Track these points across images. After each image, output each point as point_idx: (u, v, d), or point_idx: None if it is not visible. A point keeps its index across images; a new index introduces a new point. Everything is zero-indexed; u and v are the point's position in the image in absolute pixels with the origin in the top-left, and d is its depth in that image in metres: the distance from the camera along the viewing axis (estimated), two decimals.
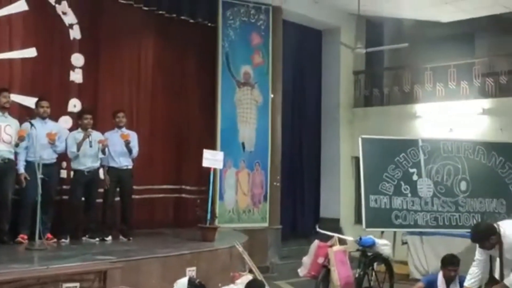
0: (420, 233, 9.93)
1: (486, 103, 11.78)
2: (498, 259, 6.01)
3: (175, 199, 10.67)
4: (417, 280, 9.26)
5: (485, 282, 6.26)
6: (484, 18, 12.49)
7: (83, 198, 8.32)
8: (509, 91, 11.73)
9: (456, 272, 6.57)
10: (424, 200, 9.34)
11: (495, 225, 5.99)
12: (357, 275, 7.08)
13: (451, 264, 6.67)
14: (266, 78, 11.48)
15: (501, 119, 11.43)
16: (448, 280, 6.67)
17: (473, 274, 6.09)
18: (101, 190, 8.60)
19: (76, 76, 9.17)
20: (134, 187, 9.39)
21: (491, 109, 11.68)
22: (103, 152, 8.37)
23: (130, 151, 8.62)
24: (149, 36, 10.37)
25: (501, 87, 11.81)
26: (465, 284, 6.13)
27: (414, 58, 13.49)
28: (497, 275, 6.06)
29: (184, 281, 4.50)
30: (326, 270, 6.68)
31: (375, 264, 7.49)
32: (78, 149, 8.13)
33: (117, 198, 8.81)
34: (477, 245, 6.07)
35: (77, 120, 8.61)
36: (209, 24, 11.01)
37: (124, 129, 8.74)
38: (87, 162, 8.26)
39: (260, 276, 6.12)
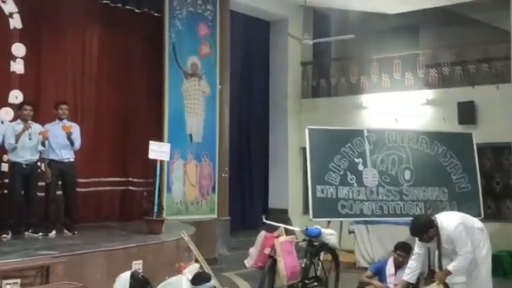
0: (366, 222, 10.09)
1: (430, 93, 12.05)
2: (436, 252, 6.18)
3: (121, 192, 10.53)
4: (364, 269, 9.41)
5: (425, 276, 6.42)
6: (428, 11, 12.73)
7: (22, 192, 8.10)
8: (452, 82, 12.03)
9: (405, 259, 6.67)
10: (369, 189, 9.49)
11: (432, 218, 6.17)
12: (303, 265, 7.09)
13: (401, 249, 6.78)
14: (213, 69, 11.41)
15: (444, 109, 11.71)
16: (397, 266, 6.78)
17: (412, 268, 6.23)
18: (42, 183, 8.40)
19: (17, 67, 8.90)
20: (79, 180, 9.24)
21: (435, 100, 11.95)
22: (43, 144, 8.15)
23: (72, 143, 8.41)
24: (93, 25, 10.16)
25: (444, 78, 12.10)
26: (403, 277, 6.27)
27: (360, 49, 13.66)
28: (436, 268, 6.23)
29: (126, 275, 4.41)
30: (272, 260, 6.68)
31: (321, 253, 7.53)
32: (17, 141, 7.90)
33: (61, 192, 8.61)
34: (416, 239, 6.22)
35: (17, 111, 8.37)
36: (156, 14, 10.84)
37: (65, 121, 8.53)
38: (26, 154, 8.02)
39: (206, 267, 6.07)
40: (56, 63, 9.57)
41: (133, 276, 4.42)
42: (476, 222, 6.38)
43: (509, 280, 9.17)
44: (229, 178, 11.58)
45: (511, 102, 10.74)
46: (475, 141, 10.18)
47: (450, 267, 5.96)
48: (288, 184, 13.37)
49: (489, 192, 11.38)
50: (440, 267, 6.12)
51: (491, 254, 6.38)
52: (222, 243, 11.18)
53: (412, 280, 6.26)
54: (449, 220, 6.11)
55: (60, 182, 8.51)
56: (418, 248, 6.26)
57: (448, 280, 6.02)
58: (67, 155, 8.47)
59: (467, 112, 11.35)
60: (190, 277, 4.92)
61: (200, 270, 5.48)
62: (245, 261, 7.00)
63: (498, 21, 12.29)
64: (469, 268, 6.07)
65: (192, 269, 5.15)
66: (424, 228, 6.05)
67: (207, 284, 4.96)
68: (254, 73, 13.50)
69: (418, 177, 9.75)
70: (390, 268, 6.82)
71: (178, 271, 5.26)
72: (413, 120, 11.86)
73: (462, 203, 9.69)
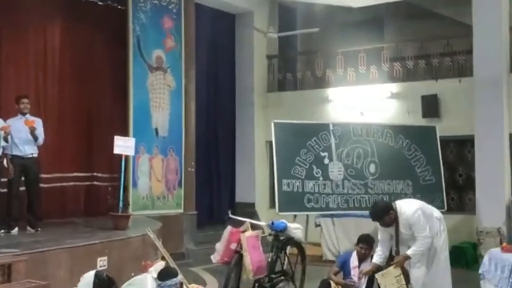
0: (332, 215, 10.16)
1: (394, 87, 12.16)
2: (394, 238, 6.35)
3: (86, 187, 10.43)
4: (330, 261, 9.50)
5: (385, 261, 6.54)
6: (392, 4, 12.82)
7: None
8: (416, 75, 12.17)
9: (368, 251, 6.73)
10: (335, 183, 9.52)
11: (392, 203, 6.36)
12: (269, 259, 7.12)
13: (364, 242, 6.82)
14: (178, 63, 11.32)
15: (408, 103, 11.83)
16: (360, 258, 6.81)
17: (380, 253, 6.44)
18: (5, 179, 8.23)
19: None
20: (43, 175, 9.11)
21: (399, 93, 12.07)
22: (6, 140, 7.97)
23: (35, 138, 8.26)
24: (55, 18, 10.01)
25: (407, 71, 12.23)
26: (374, 260, 6.46)
27: (326, 43, 13.70)
28: (393, 253, 6.42)
29: (90, 274, 4.36)
30: (238, 255, 6.67)
31: (287, 247, 7.56)
32: None
33: (24, 188, 8.45)
34: (378, 225, 6.36)
35: None
36: (119, 7, 10.71)
37: (28, 116, 8.37)
38: None
39: (172, 263, 6.04)
40: (17, 57, 9.40)
41: (97, 276, 4.37)
42: (435, 212, 6.54)
43: (472, 271, 9.33)
44: (196, 173, 11.53)
45: (474, 95, 10.91)
46: (438, 134, 10.30)
47: (409, 251, 6.14)
48: (254, 178, 13.36)
49: (452, 184, 11.57)
50: (398, 252, 6.30)
51: (448, 244, 6.55)
52: (189, 238, 11.14)
53: (382, 262, 6.42)
54: (408, 206, 6.33)
55: (23, 178, 8.36)
56: (380, 234, 6.43)
57: (408, 267, 6.16)
58: (31, 151, 8.32)
59: (431, 105, 11.50)
60: (155, 275, 4.89)
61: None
62: (212, 257, 6.98)
63: (461, 15, 12.45)
64: (428, 256, 6.19)
65: (158, 267, 5.13)
66: (385, 211, 6.23)
67: (174, 279, 4.95)
68: (220, 67, 13.44)
69: (383, 170, 9.83)
70: (354, 260, 6.87)
71: (144, 270, 5.23)
72: (378, 114, 11.96)
73: (426, 195, 9.76)
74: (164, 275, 5.02)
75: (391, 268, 6.21)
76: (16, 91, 9.04)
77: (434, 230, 6.34)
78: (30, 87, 9.52)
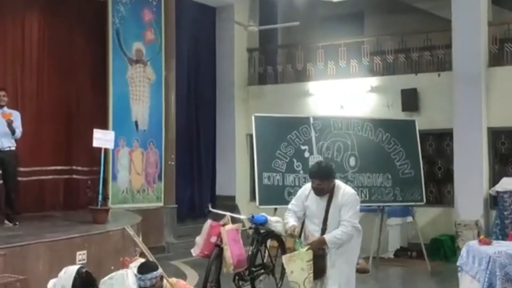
0: None
1: (374, 80, 12.19)
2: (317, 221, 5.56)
3: (65, 181, 10.39)
4: None
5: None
6: None
7: None
8: (395, 69, 12.22)
9: None
10: None
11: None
12: (250, 252, 7.14)
13: None
14: (159, 56, 11.28)
15: (387, 96, 11.88)
16: None
17: (294, 217, 5.66)
18: None
19: None
20: (21, 169, 9.05)
21: (379, 87, 12.11)
22: None
23: (13, 131, 8.17)
24: (33, 11, 9.95)
25: (387, 65, 12.27)
26: (291, 223, 5.59)
27: (306, 36, 13.70)
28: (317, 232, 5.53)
29: (72, 269, 4.34)
30: (219, 249, 6.68)
31: (268, 241, 7.58)
32: None
33: (1, 181, 8.37)
34: (303, 192, 5.71)
35: None
36: None
37: (5, 108, 8.27)
38: None
39: (152, 258, 6.02)
40: None
41: (79, 272, 4.35)
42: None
43: (450, 263, 9.45)
44: (176, 166, 11.52)
45: (452, 89, 11.00)
46: (417, 128, 10.37)
47: (327, 235, 5.40)
48: (235, 171, 13.34)
49: (431, 177, 11.66)
50: (324, 230, 5.48)
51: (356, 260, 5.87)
52: (169, 231, 11.13)
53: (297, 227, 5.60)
54: (348, 187, 5.69)
55: (0, 171, 8.27)
56: (296, 203, 5.71)
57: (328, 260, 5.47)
58: (8, 144, 8.23)
59: (410, 99, 11.56)
60: (135, 271, 4.87)
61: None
62: (192, 250, 6.98)
63: (440, 10, 12.53)
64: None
65: (138, 263, 5.11)
66: (330, 173, 5.53)
67: (154, 273, 4.92)
68: (200, 60, 13.37)
69: (362, 164, 9.85)
70: None
71: (123, 266, 5.20)
72: (358, 107, 11.99)
73: (405, 188, 9.88)
74: (144, 268, 4.99)
75: (303, 250, 5.32)
76: None
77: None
78: (8, 79, 9.44)
